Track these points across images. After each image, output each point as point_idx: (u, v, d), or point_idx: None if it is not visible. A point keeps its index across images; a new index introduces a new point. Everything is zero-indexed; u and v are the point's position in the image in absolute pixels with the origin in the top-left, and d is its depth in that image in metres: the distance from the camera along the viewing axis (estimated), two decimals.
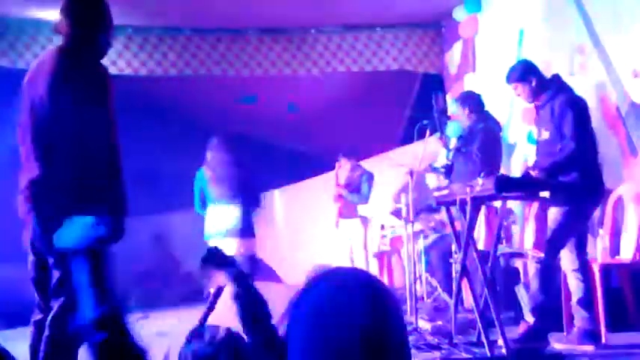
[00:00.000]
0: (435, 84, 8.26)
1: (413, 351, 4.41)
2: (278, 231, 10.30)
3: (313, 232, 9.25)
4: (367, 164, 7.82)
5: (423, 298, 6.52)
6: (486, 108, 5.81)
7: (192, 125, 9.58)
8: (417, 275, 6.84)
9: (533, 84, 4.48)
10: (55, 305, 2.68)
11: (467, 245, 4.30)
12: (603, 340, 4.33)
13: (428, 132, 5.66)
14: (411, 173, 5.31)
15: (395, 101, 9.09)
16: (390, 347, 1.15)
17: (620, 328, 4.51)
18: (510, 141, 6.90)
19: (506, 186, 4.09)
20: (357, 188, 7.36)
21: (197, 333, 2.01)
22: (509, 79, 4.61)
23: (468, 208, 4.18)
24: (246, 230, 6.03)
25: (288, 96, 8.81)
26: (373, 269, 7.62)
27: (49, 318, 2.66)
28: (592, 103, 4.97)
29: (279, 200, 10.63)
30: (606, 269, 4.57)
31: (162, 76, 8.28)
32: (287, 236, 10.06)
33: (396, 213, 7.10)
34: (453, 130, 5.82)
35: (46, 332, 2.64)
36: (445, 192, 4.54)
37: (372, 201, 7.47)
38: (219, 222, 6.02)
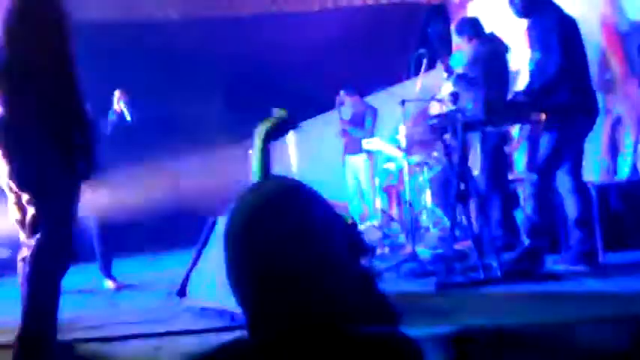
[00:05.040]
0: (439, 14, 8.11)
1: (411, 279, 4.49)
2: (290, 169, 10.34)
3: (322, 168, 9.29)
4: (373, 99, 7.78)
5: (429, 228, 6.57)
6: (488, 30, 5.67)
7: (198, 69, 9.58)
8: (422, 206, 6.90)
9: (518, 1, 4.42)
10: (33, 241, 2.75)
11: (461, 171, 4.30)
12: (600, 260, 4.35)
13: (425, 61, 5.58)
14: (403, 103, 5.27)
15: (399, 34, 8.95)
16: (307, 249, 1.16)
17: (618, 248, 4.52)
18: (514, 67, 6.79)
19: (496, 110, 4.06)
20: (361, 123, 7.35)
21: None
22: None
23: (459, 134, 4.16)
24: None
25: (291, 34, 8.70)
26: (383, 203, 7.67)
27: (28, 255, 2.74)
28: (593, 24, 4.87)
29: (289, 139, 10.62)
30: (603, 190, 4.56)
31: (169, 19, 8.23)
32: (298, 174, 10.10)
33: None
34: (456, 61, 5.73)
35: (26, 269, 2.72)
36: (438, 119, 4.52)
37: (379, 136, 7.46)
38: None
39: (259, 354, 1.16)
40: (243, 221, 1.20)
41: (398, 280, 4.54)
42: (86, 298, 4.80)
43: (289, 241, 1.16)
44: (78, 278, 5.37)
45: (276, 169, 8.66)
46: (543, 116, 4.34)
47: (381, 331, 1.30)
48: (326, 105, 8.72)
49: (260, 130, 2.18)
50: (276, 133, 2.19)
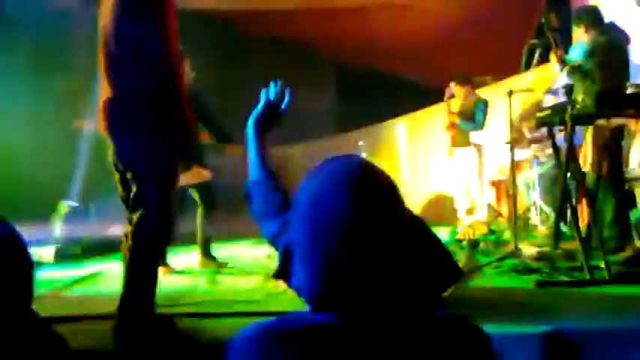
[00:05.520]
0: (557, 3, 7.76)
1: (512, 274, 4.35)
2: (398, 160, 10.29)
3: (431, 161, 9.18)
4: (484, 91, 7.59)
5: (537, 225, 6.36)
6: (607, 19, 5.37)
7: (305, 58, 9.71)
8: (531, 202, 6.68)
9: None
10: (134, 217, 2.90)
11: (569, 167, 4.12)
12: None
13: (537, 52, 5.37)
14: (510, 94, 5.09)
15: (517, 23, 8.65)
16: (369, 240, 1.17)
17: None
18: (637, 60, 6.41)
19: (609, 102, 3.84)
20: (471, 116, 7.17)
21: None
22: None
23: (568, 127, 3.99)
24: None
25: (400, 24, 8.63)
26: (490, 198, 7.49)
27: (130, 230, 2.90)
28: None
29: (400, 130, 10.57)
30: None
31: (274, 8, 8.38)
32: (406, 165, 10.03)
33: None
34: (575, 52, 5.47)
35: (129, 242, 2.87)
36: (547, 112, 4.34)
37: (489, 129, 7.25)
38: None
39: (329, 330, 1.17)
40: (314, 197, 1.22)
41: (498, 275, 4.42)
42: (189, 277, 5.00)
43: (360, 217, 1.17)
44: (182, 258, 5.63)
45: (384, 156, 8.59)
46: None
47: (457, 321, 1.28)
48: (436, 95, 8.59)
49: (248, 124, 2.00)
50: (265, 121, 2.01)
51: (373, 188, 1.21)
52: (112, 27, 2.88)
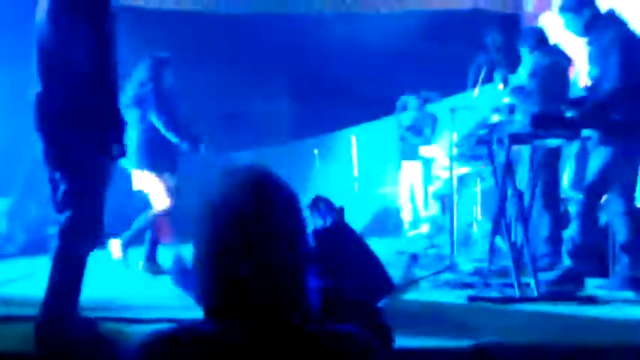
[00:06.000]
0: (503, 24, 7.95)
1: (446, 290, 4.40)
2: (351, 170, 10.33)
3: (380, 172, 9.26)
4: (435, 107, 7.69)
5: (477, 240, 6.45)
6: (552, 42, 5.51)
7: (266, 65, 9.68)
8: (473, 218, 6.78)
9: (586, 17, 4.26)
10: (63, 218, 2.84)
11: (503, 185, 4.19)
12: None
13: (484, 70, 5.47)
14: (452, 110, 5.19)
15: (468, 42, 8.79)
16: (271, 241, 1.20)
17: None
18: (583, 83, 6.57)
19: (544, 123, 3.93)
20: (420, 130, 7.28)
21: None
22: (562, 8, 4.40)
23: (505, 146, 4.06)
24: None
25: (359, 35, 8.69)
26: (434, 212, 7.57)
27: (58, 230, 2.83)
28: None
29: (353, 140, 10.62)
30: None
31: (241, 14, 8.38)
32: (357, 176, 10.09)
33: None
34: (520, 73, 5.59)
35: (55, 243, 2.81)
36: (486, 130, 4.43)
37: (437, 143, 7.37)
38: None
39: (213, 337, 1.18)
40: (212, 206, 1.23)
41: (433, 289, 4.48)
42: (121, 281, 4.93)
43: (255, 228, 1.19)
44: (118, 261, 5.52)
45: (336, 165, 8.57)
46: (593, 133, 4.20)
47: (344, 332, 1.29)
48: (388, 108, 8.67)
49: None
50: None
51: (272, 196, 1.23)
52: (45, 22, 2.82)
